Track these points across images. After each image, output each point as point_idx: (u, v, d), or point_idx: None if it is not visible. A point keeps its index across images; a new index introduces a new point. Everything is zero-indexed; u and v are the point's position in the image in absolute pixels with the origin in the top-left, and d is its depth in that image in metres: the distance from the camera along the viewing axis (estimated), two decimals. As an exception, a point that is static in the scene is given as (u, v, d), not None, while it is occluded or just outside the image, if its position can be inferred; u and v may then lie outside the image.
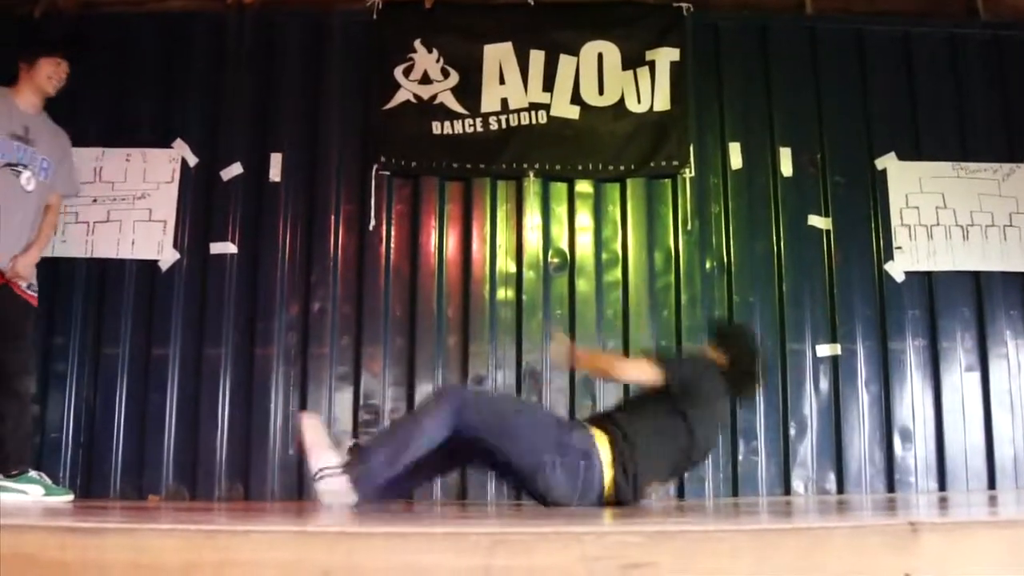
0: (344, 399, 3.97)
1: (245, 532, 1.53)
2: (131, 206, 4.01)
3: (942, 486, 4.04)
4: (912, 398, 4.09)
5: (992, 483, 4.05)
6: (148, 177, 4.05)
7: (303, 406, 3.92)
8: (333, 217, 4.10)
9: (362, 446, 2.73)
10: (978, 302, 4.17)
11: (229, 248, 4.03)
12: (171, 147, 4.11)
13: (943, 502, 3.08)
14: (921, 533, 1.55)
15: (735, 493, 3.94)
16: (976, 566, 1.53)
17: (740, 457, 3.97)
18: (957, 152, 4.29)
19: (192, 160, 4.11)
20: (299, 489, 3.82)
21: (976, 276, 4.19)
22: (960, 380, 4.13)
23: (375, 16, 4.24)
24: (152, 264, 4.00)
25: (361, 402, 3.97)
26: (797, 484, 3.98)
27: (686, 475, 3.87)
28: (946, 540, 1.57)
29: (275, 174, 4.10)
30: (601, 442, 2.67)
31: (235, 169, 4.10)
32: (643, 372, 2.85)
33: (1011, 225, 4.22)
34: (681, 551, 1.49)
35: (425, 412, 2.70)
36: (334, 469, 2.55)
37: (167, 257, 4.00)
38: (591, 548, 1.46)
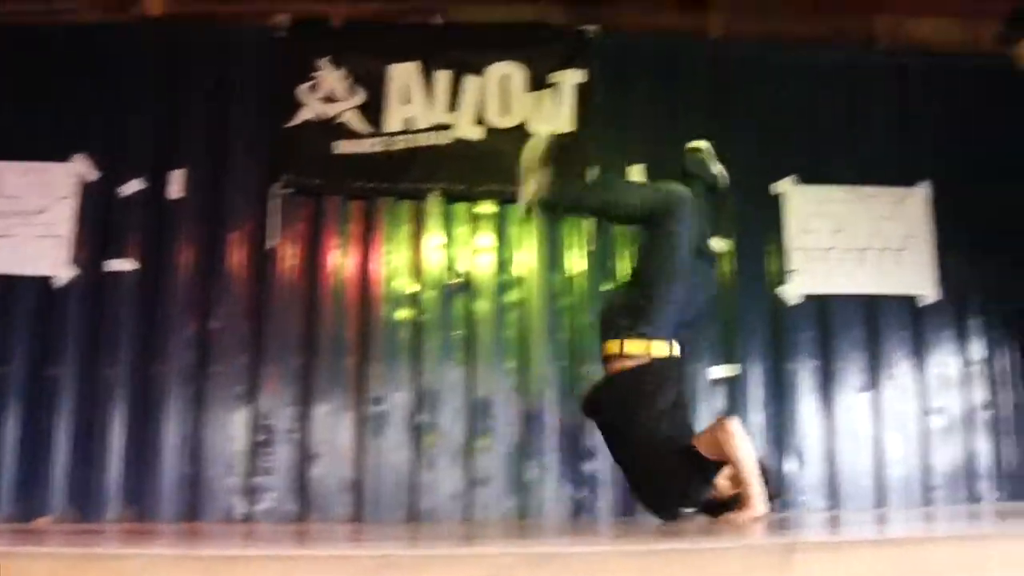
0: (240, 419, 3.90)
1: (126, 556, 1.55)
2: (27, 221, 3.92)
3: (834, 504, 4.07)
4: (805, 419, 4.13)
5: (882, 502, 4.09)
6: (46, 192, 3.96)
7: (199, 426, 3.86)
8: (234, 235, 4.04)
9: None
10: (871, 325, 4.21)
11: (127, 265, 3.95)
12: (70, 162, 4.02)
13: (831, 521, 3.11)
14: (797, 553, 1.60)
15: (627, 514, 3.93)
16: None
17: (635, 476, 3.97)
18: (854, 176, 4.32)
19: (92, 175, 4.03)
20: (194, 510, 3.78)
21: (870, 299, 4.23)
22: (853, 400, 4.16)
23: (282, 34, 4.19)
24: (47, 281, 3.91)
25: (257, 422, 3.90)
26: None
27: (579, 495, 3.90)
28: (821, 559, 1.62)
29: (176, 191, 4.03)
30: None
31: (135, 185, 4.02)
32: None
33: (904, 249, 4.25)
34: (564, 572, 1.53)
35: None
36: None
37: (63, 274, 3.91)
38: (478, 570, 1.50)
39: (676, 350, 3.00)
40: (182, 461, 3.83)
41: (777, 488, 2.99)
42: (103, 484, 3.77)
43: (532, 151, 3.24)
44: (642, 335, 2.91)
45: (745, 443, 2.74)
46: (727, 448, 2.72)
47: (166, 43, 4.18)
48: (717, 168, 3.29)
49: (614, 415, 2.94)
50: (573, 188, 3.34)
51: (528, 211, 3.39)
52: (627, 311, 2.97)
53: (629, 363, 2.91)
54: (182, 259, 3.99)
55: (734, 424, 2.76)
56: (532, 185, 3.19)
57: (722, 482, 2.80)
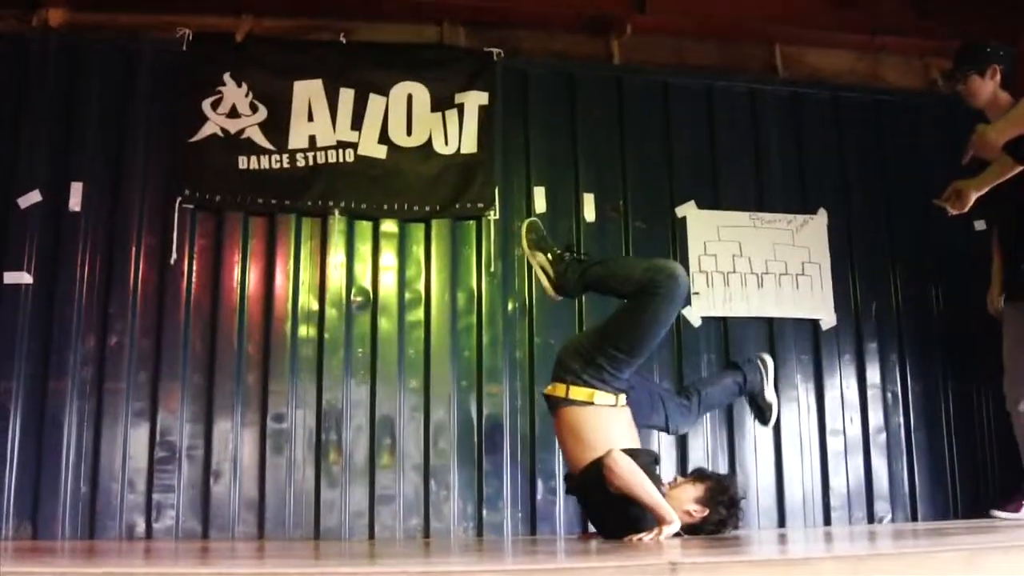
0: (140, 435, 5.05)
1: (14, 574, 1.92)
2: None
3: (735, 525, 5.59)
4: (706, 438, 5.57)
5: (783, 522, 5.57)
6: None
7: (98, 442, 5.00)
8: (134, 249, 5.23)
9: None
10: (771, 347, 5.63)
11: (24, 278, 5.09)
12: None
13: (728, 540, 4.29)
14: (680, 573, 1.99)
15: (530, 533, 5.40)
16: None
17: (537, 496, 5.45)
18: (754, 203, 5.86)
19: None
20: (91, 528, 4.91)
21: (769, 322, 5.69)
22: (753, 422, 5.54)
23: (184, 47, 5.45)
24: None
25: (157, 439, 5.05)
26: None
27: (483, 514, 5.34)
28: None
29: (75, 203, 5.20)
30: None
31: (33, 197, 5.18)
32: None
33: (803, 274, 5.85)
34: None
35: None
36: None
37: None
38: None
39: (622, 400, 4.00)
40: (80, 478, 4.95)
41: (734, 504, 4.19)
42: (-2, 500, 4.93)
43: (529, 237, 4.32)
44: (589, 384, 3.95)
45: (628, 472, 3.72)
46: (615, 483, 3.74)
47: (66, 53, 5.38)
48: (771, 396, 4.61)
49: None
50: (579, 267, 4.21)
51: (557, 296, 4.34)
52: (583, 359, 3.97)
53: (569, 408, 4.00)
54: (81, 273, 5.17)
55: (611, 458, 3.74)
56: (543, 276, 4.25)
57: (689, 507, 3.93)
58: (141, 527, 5.03)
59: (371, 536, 5.16)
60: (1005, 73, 4.68)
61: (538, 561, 2.48)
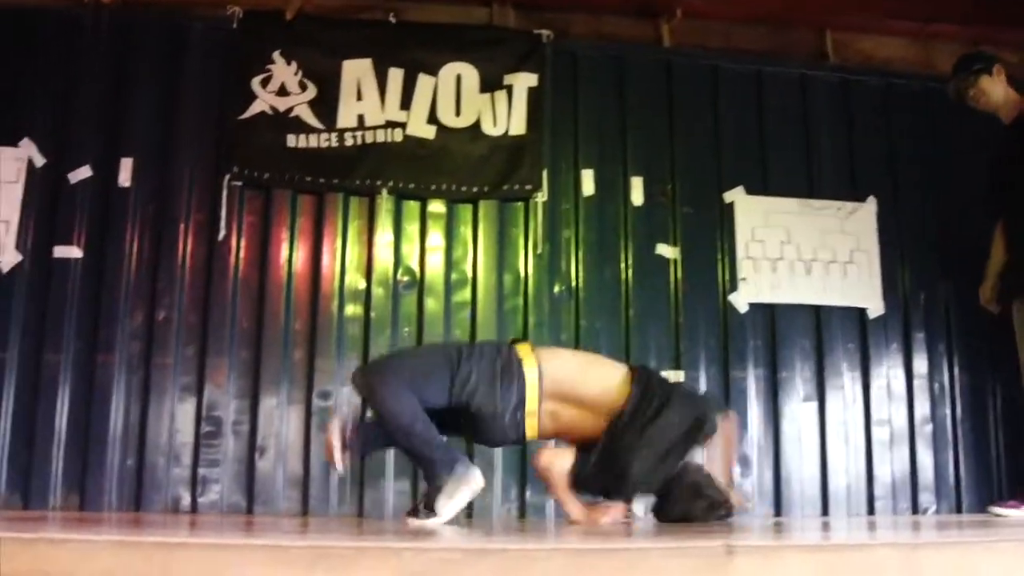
0: (186, 410, 5.06)
1: (62, 541, 1.92)
2: None
3: (778, 512, 5.38)
4: (752, 426, 5.51)
5: (826, 511, 5.52)
6: None
7: (144, 416, 5.03)
8: (182, 225, 5.24)
9: None
10: (817, 335, 5.60)
11: (74, 252, 5.12)
12: (18, 146, 5.19)
13: (774, 527, 4.09)
14: (736, 556, 1.95)
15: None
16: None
17: (581, 480, 5.39)
18: (803, 189, 5.79)
19: (39, 161, 5.19)
20: (137, 500, 4.93)
21: (816, 310, 5.61)
22: (798, 410, 5.53)
23: (235, 25, 5.44)
24: None
25: (204, 414, 5.06)
26: (637, 508, 5.40)
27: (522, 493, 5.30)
28: (760, 563, 2.00)
29: (125, 179, 5.22)
30: None
31: (84, 172, 5.20)
32: None
33: (851, 262, 5.77)
34: (499, 569, 1.87)
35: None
36: None
37: (8, 259, 5.03)
38: (411, 564, 1.84)
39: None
40: (127, 451, 4.97)
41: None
42: (46, 472, 4.89)
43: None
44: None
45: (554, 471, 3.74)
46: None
47: (117, 29, 5.38)
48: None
49: None
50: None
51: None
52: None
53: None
54: (130, 248, 5.19)
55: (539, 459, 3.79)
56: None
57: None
58: (186, 501, 5.04)
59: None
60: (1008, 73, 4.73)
61: (588, 542, 2.42)
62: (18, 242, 5.17)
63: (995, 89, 4.70)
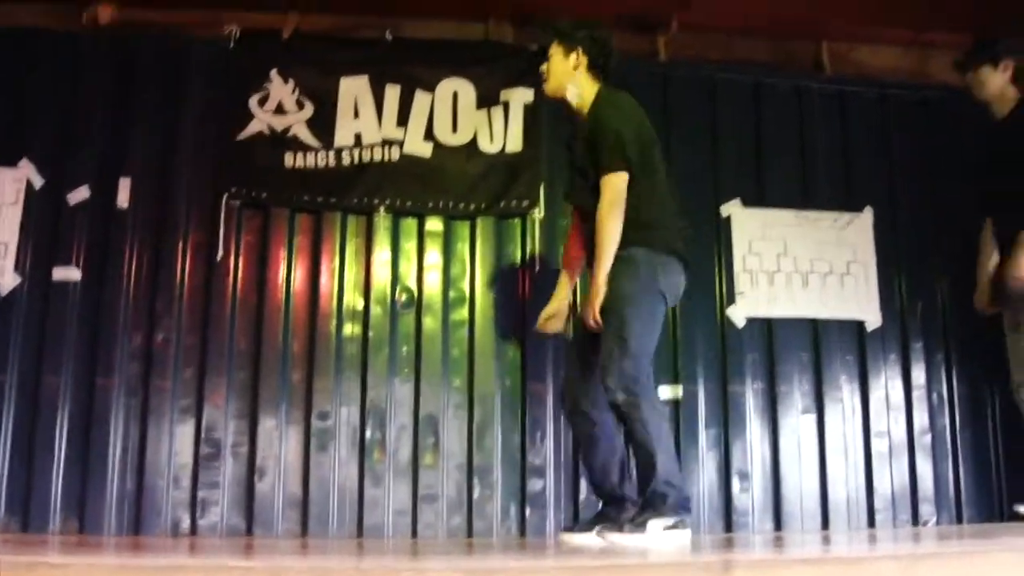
0: (185, 432, 4.92)
1: (63, 565, 1.94)
2: None
3: (778, 526, 5.23)
4: (750, 440, 5.32)
5: (826, 523, 5.37)
6: None
7: (144, 438, 4.89)
8: (181, 245, 5.09)
9: None
10: (815, 348, 5.43)
11: (73, 274, 4.98)
12: (17, 167, 5.05)
13: (774, 540, 4.13)
14: (734, 571, 1.97)
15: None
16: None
17: (581, 496, 5.24)
18: (799, 201, 5.60)
19: (38, 182, 5.05)
20: (136, 523, 4.79)
21: (814, 323, 5.44)
22: (797, 423, 5.36)
23: (232, 44, 5.30)
24: None
25: (203, 435, 4.92)
26: (637, 522, 5.26)
27: (525, 514, 5.15)
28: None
29: (123, 200, 5.07)
30: None
31: (82, 193, 5.05)
32: None
33: (848, 274, 5.59)
34: None
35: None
36: None
37: (7, 281, 4.90)
38: None
39: None
40: (126, 473, 4.83)
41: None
42: (45, 495, 4.75)
43: None
44: None
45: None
46: None
47: (116, 51, 5.23)
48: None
49: None
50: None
51: None
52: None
53: None
54: (129, 269, 5.04)
55: None
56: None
57: None
58: (186, 523, 4.91)
59: (414, 535, 5.01)
60: (1018, 71, 4.54)
61: (587, 560, 2.45)
62: (17, 264, 5.04)
63: (993, 81, 4.57)
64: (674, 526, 3.65)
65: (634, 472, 3.95)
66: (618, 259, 3.82)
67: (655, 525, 3.61)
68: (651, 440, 3.72)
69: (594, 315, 3.80)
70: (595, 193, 3.91)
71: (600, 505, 4.08)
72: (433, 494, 5.08)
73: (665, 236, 3.91)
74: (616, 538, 3.64)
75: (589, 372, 3.90)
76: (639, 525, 3.63)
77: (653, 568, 2.13)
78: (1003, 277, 4.59)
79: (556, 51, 4.09)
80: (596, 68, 4.06)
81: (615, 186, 3.83)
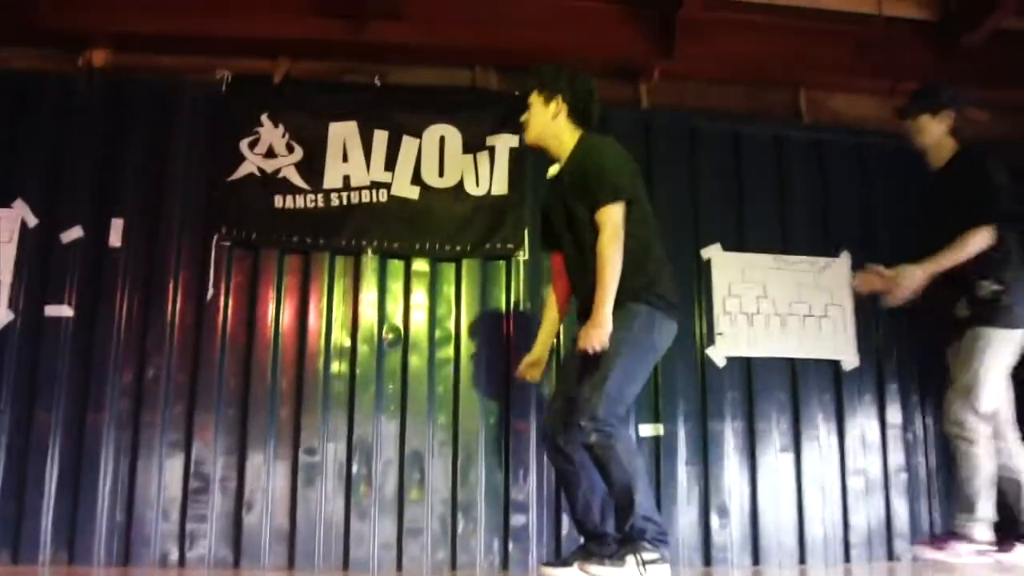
0: (175, 466, 4.99)
1: None
2: None
3: (756, 561, 5.31)
4: (729, 477, 5.41)
5: (803, 559, 5.42)
6: None
7: (134, 472, 4.95)
8: (172, 285, 5.18)
9: None
10: (793, 387, 5.55)
11: (65, 311, 5.06)
12: (11, 207, 5.15)
13: (755, 575, 4.39)
14: None
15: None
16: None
17: (563, 531, 5.30)
18: (778, 245, 5.74)
19: (32, 221, 5.15)
20: (126, 555, 4.85)
21: (792, 363, 5.56)
22: (775, 460, 5.46)
23: (224, 88, 5.42)
24: None
25: (192, 470, 4.98)
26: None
27: (508, 548, 5.22)
28: None
29: (115, 239, 5.17)
30: None
31: (75, 232, 5.15)
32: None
33: (826, 316, 5.71)
34: None
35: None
36: None
37: (1, 317, 4.99)
38: None
39: None
40: (116, 506, 4.89)
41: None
42: (36, 527, 4.81)
43: None
44: None
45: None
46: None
47: (109, 93, 5.36)
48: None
49: None
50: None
51: None
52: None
53: None
54: (120, 307, 5.12)
55: None
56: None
57: None
58: (175, 555, 4.97)
59: (399, 568, 5.07)
60: (957, 122, 4.58)
61: None
62: (10, 300, 5.12)
63: (931, 130, 4.60)
64: (653, 561, 3.73)
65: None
66: (619, 310, 3.87)
67: (634, 560, 3.68)
68: (628, 477, 3.79)
69: (600, 345, 3.83)
70: (586, 231, 4.00)
71: (582, 540, 4.11)
72: (418, 528, 5.16)
73: (666, 292, 4.00)
74: (597, 571, 3.70)
75: (570, 409, 3.94)
76: (619, 559, 3.71)
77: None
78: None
79: (536, 100, 4.15)
80: (577, 114, 4.10)
81: (613, 218, 3.90)
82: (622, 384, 3.82)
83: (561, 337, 5.03)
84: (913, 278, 4.41)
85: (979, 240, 4.33)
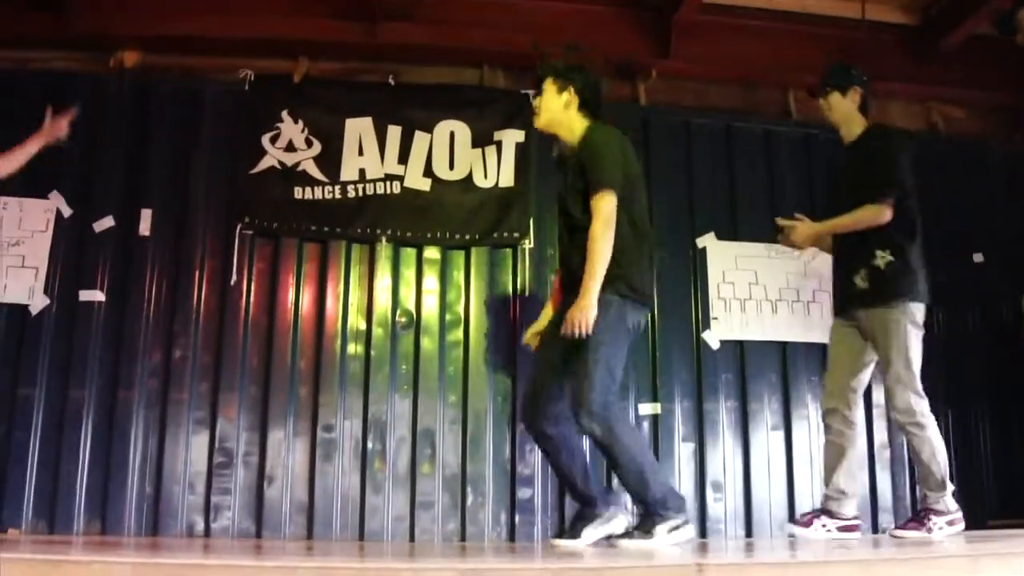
0: (200, 442, 5.25)
1: (87, 562, 2.02)
2: (5, 252, 5.27)
3: (749, 533, 5.58)
4: (724, 454, 5.67)
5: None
6: (23, 225, 5.33)
7: (161, 448, 5.21)
8: (197, 271, 5.44)
9: None
10: (783, 369, 5.81)
11: (97, 296, 5.32)
12: (47, 198, 5.41)
13: (745, 547, 4.35)
14: (707, 573, 2.03)
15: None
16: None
17: (567, 504, 5.55)
18: (769, 235, 6.06)
19: (66, 211, 5.40)
20: (154, 525, 5.10)
21: (783, 346, 5.82)
22: (766, 438, 5.71)
23: (247, 87, 5.68)
24: (23, 308, 5.24)
25: (216, 445, 5.24)
26: (619, 531, 5.56)
27: (515, 520, 5.48)
28: None
29: (145, 228, 5.43)
30: None
31: (107, 222, 5.41)
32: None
33: (814, 301, 5.95)
34: None
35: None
36: None
37: (37, 303, 5.24)
38: None
39: None
40: (145, 480, 5.15)
41: None
42: (70, 499, 5.06)
43: None
44: None
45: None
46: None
47: (139, 92, 5.62)
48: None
49: None
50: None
51: None
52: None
53: None
54: (149, 292, 5.38)
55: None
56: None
57: None
58: (200, 526, 5.22)
59: (411, 539, 5.31)
60: (865, 99, 4.61)
61: (570, 562, 2.56)
62: (46, 287, 5.36)
63: (841, 107, 4.60)
64: (678, 527, 3.85)
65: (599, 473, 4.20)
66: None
67: (662, 529, 3.80)
68: (636, 457, 3.89)
69: (584, 328, 3.82)
70: (576, 212, 4.07)
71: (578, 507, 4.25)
72: (429, 501, 5.41)
73: (640, 285, 3.96)
74: (630, 546, 3.79)
75: (545, 390, 3.98)
76: (647, 532, 3.81)
77: (631, 571, 2.20)
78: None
79: (550, 87, 4.22)
80: (586, 107, 4.22)
81: (605, 209, 3.91)
82: (605, 372, 3.78)
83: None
84: (801, 232, 4.55)
85: (873, 214, 4.36)
